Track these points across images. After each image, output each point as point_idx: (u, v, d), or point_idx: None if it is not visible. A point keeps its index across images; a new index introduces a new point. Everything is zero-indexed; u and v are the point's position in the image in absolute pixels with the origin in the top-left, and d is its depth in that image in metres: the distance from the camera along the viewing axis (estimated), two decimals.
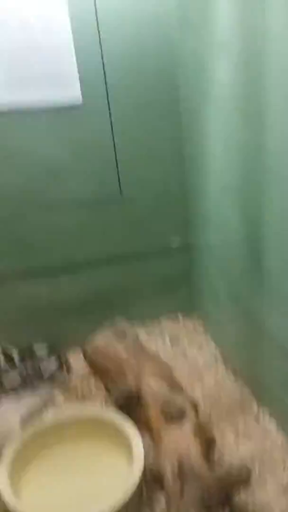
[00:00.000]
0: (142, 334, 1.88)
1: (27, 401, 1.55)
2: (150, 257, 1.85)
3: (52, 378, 1.67)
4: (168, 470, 1.19)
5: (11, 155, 1.59)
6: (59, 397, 1.62)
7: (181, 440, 1.26)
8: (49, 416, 1.44)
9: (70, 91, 1.55)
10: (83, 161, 1.66)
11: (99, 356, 1.64)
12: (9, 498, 1.14)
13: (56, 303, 1.81)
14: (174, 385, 1.47)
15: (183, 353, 1.83)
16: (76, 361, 1.80)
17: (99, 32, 1.51)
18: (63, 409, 1.53)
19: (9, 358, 1.74)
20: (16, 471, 1.25)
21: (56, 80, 1.53)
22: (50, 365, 1.69)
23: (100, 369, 1.63)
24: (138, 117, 1.66)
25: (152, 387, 1.42)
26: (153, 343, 1.87)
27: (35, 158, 1.60)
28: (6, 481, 1.18)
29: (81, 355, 1.81)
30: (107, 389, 1.59)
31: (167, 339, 1.90)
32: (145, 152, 1.72)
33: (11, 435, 1.36)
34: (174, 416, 1.32)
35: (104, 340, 1.68)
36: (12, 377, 1.63)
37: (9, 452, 1.27)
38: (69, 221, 1.73)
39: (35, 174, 1.63)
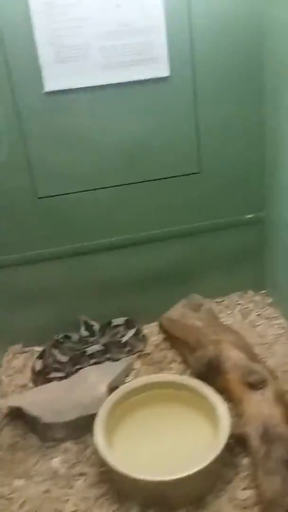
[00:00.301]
0: (213, 308, 1.92)
1: (111, 369, 1.66)
2: (223, 231, 1.86)
3: (131, 349, 1.76)
4: (253, 434, 1.25)
5: (96, 131, 1.65)
6: (139, 366, 1.71)
7: (263, 406, 1.31)
8: (133, 382, 1.52)
9: (159, 65, 1.57)
10: (165, 135, 1.68)
11: (175, 328, 1.70)
12: (105, 452, 1.24)
13: (133, 278, 1.88)
14: (252, 354, 1.51)
15: (254, 327, 1.85)
16: (152, 333, 1.88)
17: (189, 7, 1.53)
18: (145, 376, 1.61)
19: (90, 331, 1.86)
20: (108, 430, 1.34)
21: (146, 55, 1.56)
22: (128, 336, 1.78)
23: (176, 340, 1.69)
24: (221, 90, 1.65)
25: (231, 356, 1.47)
26: (223, 317, 1.90)
27: (118, 134, 1.65)
28: (101, 437, 1.29)
29: (157, 327, 1.90)
30: (185, 359, 1.65)
31: (238, 313, 1.92)
32: (226, 125, 1.71)
33: (100, 401, 1.47)
34: (255, 384, 1.36)
35: (179, 312, 1.74)
36: (95, 348, 1.73)
37: (101, 413, 1.37)
38: (146, 195, 1.76)
39: (118, 148, 1.68)
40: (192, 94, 1.65)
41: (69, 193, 1.73)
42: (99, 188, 1.74)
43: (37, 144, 1.63)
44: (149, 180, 1.75)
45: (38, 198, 1.70)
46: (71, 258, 1.83)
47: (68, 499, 1.26)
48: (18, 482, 1.34)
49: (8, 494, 1.30)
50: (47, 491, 1.30)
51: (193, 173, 1.76)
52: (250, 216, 1.87)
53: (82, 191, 1.73)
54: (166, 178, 1.75)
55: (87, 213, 1.77)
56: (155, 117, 1.66)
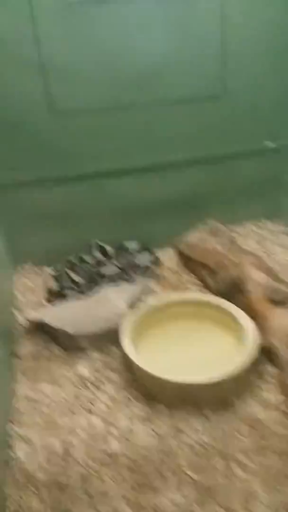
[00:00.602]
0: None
1: (129, 289, 1.68)
2: (242, 159, 1.86)
3: (146, 271, 1.78)
4: (278, 343, 1.31)
5: (115, 46, 1.59)
6: (156, 288, 1.74)
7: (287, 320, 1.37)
8: (156, 299, 1.55)
9: None
10: (188, 52, 1.64)
11: (194, 251, 1.73)
12: (134, 356, 1.28)
13: (146, 203, 1.87)
14: (273, 275, 1.55)
15: (271, 254, 1.89)
16: (167, 258, 1.90)
17: None
18: (164, 295, 1.64)
19: (104, 254, 1.86)
20: (133, 340, 1.38)
21: None
22: (143, 258, 1.79)
23: (195, 263, 1.72)
24: (248, 8, 1.60)
25: (253, 276, 1.51)
26: (241, 243, 1.92)
27: (142, 50, 1.60)
28: (129, 343, 1.32)
29: (171, 253, 1.92)
30: (204, 281, 1.69)
31: (253, 241, 1.96)
32: (252, 46, 1.67)
33: (122, 316, 1.50)
34: (278, 300, 1.42)
35: (197, 237, 1.76)
36: (111, 269, 1.74)
37: (126, 323, 1.40)
38: (166, 119, 1.73)
39: (137, 66, 1.63)
40: (219, 5, 1.58)
41: (86, 110, 1.67)
42: (115, 108, 1.69)
43: (57, 58, 1.56)
44: (169, 104, 1.71)
45: (54, 112, 1.64)
46: (86, 181, 1.80)
47: (97, 401, 1.30)
48: (45, 387, 1.37)
49: (36, 397, 1.33)
50: (75, 394, 1.33)
51: (215, 96, 1.73)
52: (270, 144, 1.86)
53: (98, 109, 1.68)
54: (187, 100, 1.71)
55: (103, 133, 1.73)
56: (178, 30, 1.60)
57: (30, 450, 1.17)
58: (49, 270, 1.89)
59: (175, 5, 1.55)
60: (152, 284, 1.75)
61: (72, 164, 1.76)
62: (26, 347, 1.52)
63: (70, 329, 1.47)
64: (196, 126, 1.77)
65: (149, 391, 1.31)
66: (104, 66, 1.61)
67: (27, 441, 1.19)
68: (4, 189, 1.71)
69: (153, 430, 1.20)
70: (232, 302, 1.47)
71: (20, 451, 1.16)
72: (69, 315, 1.55)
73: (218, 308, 1.47)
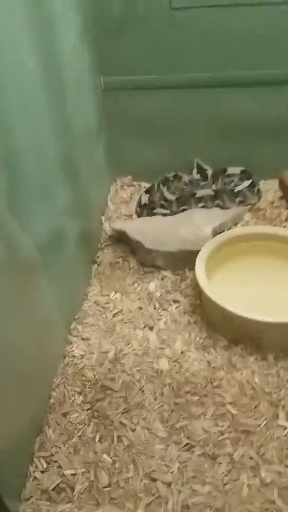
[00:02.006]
0: None
1: (219, 214, 1.58)
2: None
3: (243, 200, 1.65)
4: None
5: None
6: (249, 219, 1.62)
7: None
8: (242, 228, 1.44)
9: None
10: None
11: None
12: (205, 284, 1.23)
13: (260, 124, 1.68)
14: None
15: None
16: (269, 189, 1.74)
17: None
18: (254, 226, 1.52)
19: (203, 175, 1.76)
20: (209, 268, 1.31)
21: None
22: (243, 186, 1.66)
23: None
24: None
25: None
26: None
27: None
28: (202, 271, 1.27)
29: (274, 185, 1.75)
30: None
31: None
32: None
33: (204, 240, 1.43)
34: None
35: None
36: (205, 192, 1.65)
37: (205, 249, 1.34)
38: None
39: None
40: None
41: (204, 6, 1.48)
42: (237, 5, 1.46)
43: None
44: None
45: (172, 8, 1.49)
46: (194, 89, 1.65)
47: (159, 319, 1.30)
48: (115, 296, 1.40)
49: (105, 303, 1.38)
50: (140, 308, 1.35)
51: None
52: None
53: (219, 6, 1.48)
54: None
55: (220, 35, 1.53)
56: None
57: (86, 349, 1.23)
58: (147, 185, 1.86)
59: None
60: (246, 214, 1.63)
61: (185, 69, 1.61)
62: (106, 255, 1.55)
63: (148, 244, 1.46)
64: None
65: (213, 321, 1.26)
66: None
67: (85, 341, 1.25)
68: (110, 92, 1.66)
69: (206, 359, 1.17)
70: None
71: (77, 349, 1.23)
72: (151, 230, 1.52)
73: None
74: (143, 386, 1.11)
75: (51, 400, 1.10)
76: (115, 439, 1.02)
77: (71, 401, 1.10)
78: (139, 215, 1.70)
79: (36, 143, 1.02)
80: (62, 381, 1.14)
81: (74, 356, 1.21)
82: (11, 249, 0.89)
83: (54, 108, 1.12)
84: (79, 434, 1.03)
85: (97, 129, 1.61)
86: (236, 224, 1.60)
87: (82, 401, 1.10)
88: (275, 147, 1.69)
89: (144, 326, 1.28)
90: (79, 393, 1.12)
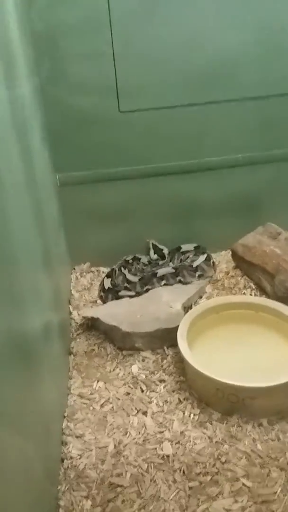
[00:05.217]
0: None
1: (183, 290, 1.66)
2: None
3: (201, 274, 1.75)
4: None
5: (185, 41, 1.58)
6: (211, 291, 1.71)
7: None
8: (212, 300, 1.52)
9: None
10: (263, 49, 1.60)
11: (251, 254, 1.67)
12: (190, 358, 1.26)
13: (205, 204, 1.84)
14: None
15: None
16: (221, 261, 1.86)
17: None
18: (220, 297, 1.60)
19: (159, 254, 1.85)
20: (189, 341, 1.35)
21: None
22: (199, 261, 1.76)
23: (252, 266, 1.67)
24: None
25: None
26: None
27: (219, 45, 1.59)
28: (185, 345, 1.30)
29: (225, 256, 1.88)
30: (260, 285, 1.64)
31: None
32: None
33: (177, 316, 1.48)
34: None
35: (256, 239, 1.71)
36: (166, 270, 1.72)
37: (183, 325, 1.38)
38: (231, 116, 1.71)
39: (208, 60, 1.61)
40: None
41: (149, 109, 1.67)
42: (179, 106, 1.67)
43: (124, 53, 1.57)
44: (236, 99, 1.67)
45: (120, 111, 1.66)
46: (144, 179, 1.79)
47: (150, 401, 1.29)
48: (98, 385, 1.37)
49: (90, 395, 1.34)
50: (128, 393, 1.33)
51: (285, 93, 1.67)
52: None
53: (162, 108, 1.67)
54: (256, 97, 1.67)
55: (167, 131, 1.72)
56: (254, 21, 1.55)
57: (83, 448, 1.17)
58: (105, 270, 1.90)
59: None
60: (207, 287, 1.72)
61: (133, 162, 1.77)
62: (80, 344, 1.53)
63: (124, 327, 1.47)
64: (260, 123, 1.72)
65: (202, 395, 1.28)
66: (171, 65, 1.61)
67: (80, 438, 1.20)
68: (65, 187, 1.74)
69: (206, 435, 1.17)
70: None
71: (73, 448, 1.17)
72: (123, 312, 1.55)
73: (275, 312, 1.42)
74: (153, 476, 1.07)
75: (60, 511, 1.02)
76: None
77: (79, 507, 1.03)
78: (104, 299, 1.72)
79: (26, 238, 1.04)
80: (66, 487, 1.07)
81: (72, 458, 1.14)
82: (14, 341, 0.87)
83: (34, 205, 1.16)
84: None
85: (58, 222, 1.66)
86: (201, 297, 1.68)
87: (91, 505, 1.03)
88: (223, 221, 1.85)
89: (137, 412, 1.26)
90: (86, 498, 1.05)
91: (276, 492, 1.02)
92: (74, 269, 1.91)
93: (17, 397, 0.84)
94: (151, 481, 1.07)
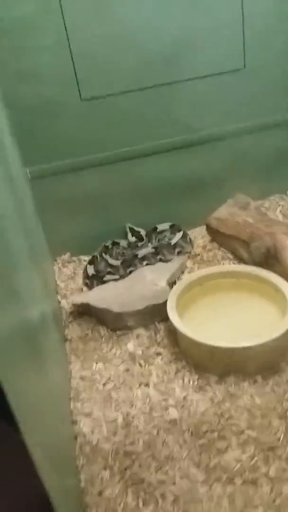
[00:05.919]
0: None
1: (165, 268, 1.72)
2: (265, 132, 1.87)
3: (180, 250, 1.81)
4: None
5: (146, 24, 1.63)
6: (191, 265, 1.78)
7: None
8: (195, 273, 1.59)
9: None
10: (210, 31, 1.66)
11: (225, 226, 1.75)
12: (183, 328, 1.33)
13: (175, 183, 1.90)
14: None
15: None
16: (197, 236, 1.93)
17: None
18: (201, 270, 1.67)
19: (138, 237, 1.90)
20: (178, 314, 1.42)
21: None
22: (177, 238, 1.83)
23: (227, 238, 1.75)
24: None
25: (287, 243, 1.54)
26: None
27: (166, 27, 1.63)
28: (176, 317, 1.37)
29: (200, 232, 1.95)
30: (238, 255, 1.72)
31: (279, 213, 1.98)
32: (273, 23, 1.71)
33: (163, 292, 1.54)
34: None
35: (227, 211, 1.79)
36: (146, 250, 1.78)
37: (171, 298, 1.45)
38: (189, 95, 1.76)
39: (161, 45, 1.66)
40: None
41: (111, 95, 1.71)
42: (139, 89, 1.72)
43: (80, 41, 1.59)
44: (192, 78, 1.73)
45: (82, 100, 1.68)
46: (114, 164, 1.83)
47: (150, 374, 1.36)
48: (98, 366, 1.42)
49: (91, 376, 1.39)
50: (127, 370, 1.39)
51: (237, 71, 1.75)
52: None
53: (124, 92, 1.71)
54: (210, 75, 1.74)
55: (129, 115, 1.76)
56: (200, 8, 1.62)
57: (93, 424, 1.22)
58: (86, 258, 1.94)
59: None
60: (187, 261, 1.79)
61: (101, 149, 1.80)
62: (74, 331, 1.58)
63: (115, 308, 1.52)
64: (219, 100, 1.79)
65: (198, 361, 1.35)
66: (125, 48, 1.64)
67: (89, 416, 1.25)
68: (36, 180, 1.76)
69: (207, 397, 1.25)
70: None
71: (84, 426, 1.22)
72: (111, 295, 1.60)
73: (255, 277, 1.51)
74: (164, 439, 1.14)
75: (82, 484, 1.08)
76: (159, 498, 1.03)
77: (99, 478, 1.09)
78: (90, 286, 1.76)
79: (16, 235, 1.07)
80: (85, 461, 1.12)
81: (84, 435, 1.20)
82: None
83: (17, 202, 1.19)
84: (122, 507, 1.02)
85: (35, 215, 1.68)
86: (183, 272, 1.75)
87: (110, 475, 1.09)
88: (195, 198, 1.92)
89: (140, 385, 1.32)
90: (104, 468, 1.11)
91: (279, 439, 1.11)
92: (56, 260, 1.94)
93: (33, 387, 0.88)
94: (163, 444, 1.14)
